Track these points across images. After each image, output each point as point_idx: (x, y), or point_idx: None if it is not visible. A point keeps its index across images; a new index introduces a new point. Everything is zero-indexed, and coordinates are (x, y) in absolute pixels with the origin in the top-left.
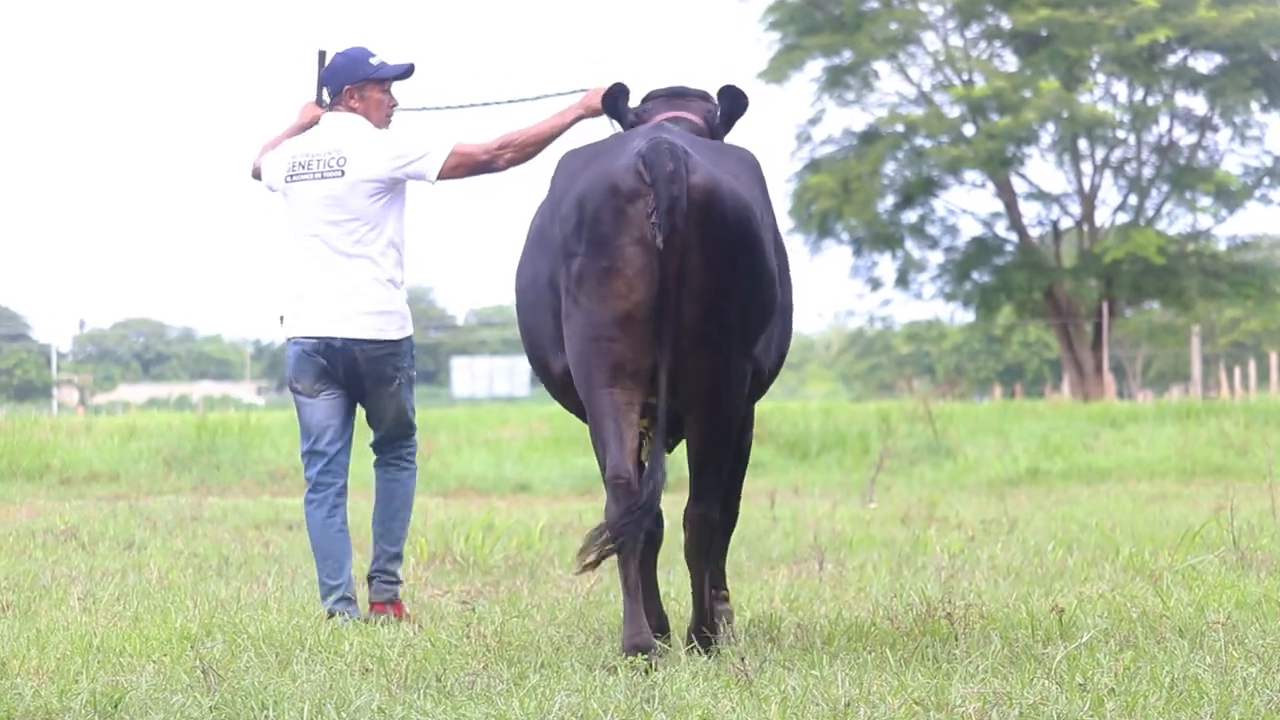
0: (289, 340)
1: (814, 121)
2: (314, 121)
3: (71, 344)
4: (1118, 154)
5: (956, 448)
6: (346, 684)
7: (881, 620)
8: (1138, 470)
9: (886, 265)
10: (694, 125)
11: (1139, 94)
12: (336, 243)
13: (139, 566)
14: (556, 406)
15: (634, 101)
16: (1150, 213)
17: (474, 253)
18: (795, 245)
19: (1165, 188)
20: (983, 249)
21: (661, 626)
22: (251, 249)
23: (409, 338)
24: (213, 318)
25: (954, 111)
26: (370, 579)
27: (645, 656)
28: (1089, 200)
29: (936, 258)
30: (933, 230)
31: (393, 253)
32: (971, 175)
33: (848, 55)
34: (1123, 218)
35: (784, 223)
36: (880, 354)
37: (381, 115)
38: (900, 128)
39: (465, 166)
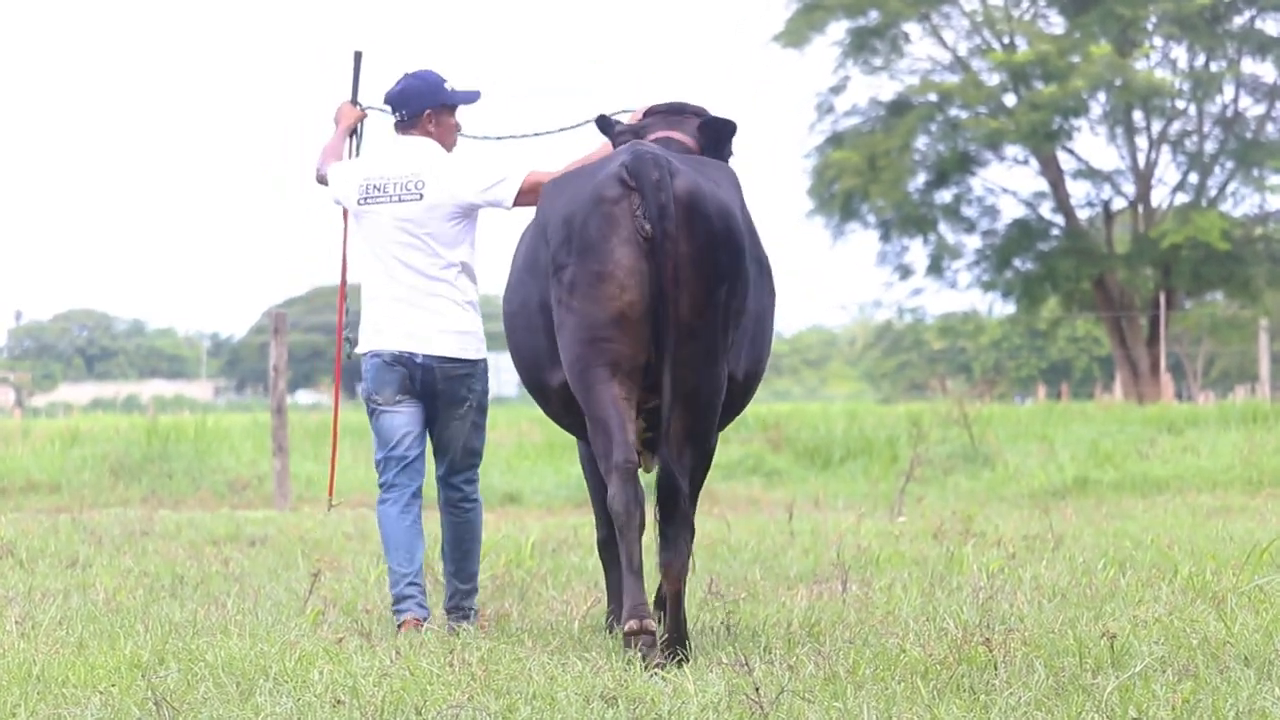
0: (366, 355)
1: (837, 90)
2: (356, 123)
3: (6, 338)
4: (1177, 126)
5: (995, 455)
6: (316, 717)
7: (912, 647)
8: (1198, 480)
9: (917, 251)
10: (683, 145)
11: (1200, 59)
12: (415, 264)
13: (83, 587)
14: (517, 409)
15: (635, 116)
16: (1213, 192)
17: None
18: (815, 229)
19: (1230, 164)
20: (1025, 233)
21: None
22: (210, 233)
23: (485, 360)
24: (165, 309)
25: (993, 79)
26: (448, 613)
27: (644, 633)
28: (1144, 178)
29: (973, 242)
30: (969, 212)
31: (467, 275)
32: (1013, 150)
33: (874, 16)
34: (1182, 198)
35: (804, 203)
36: (910, 350)
37: (451, 140)
38: (933, 97)
39: (537, 193)
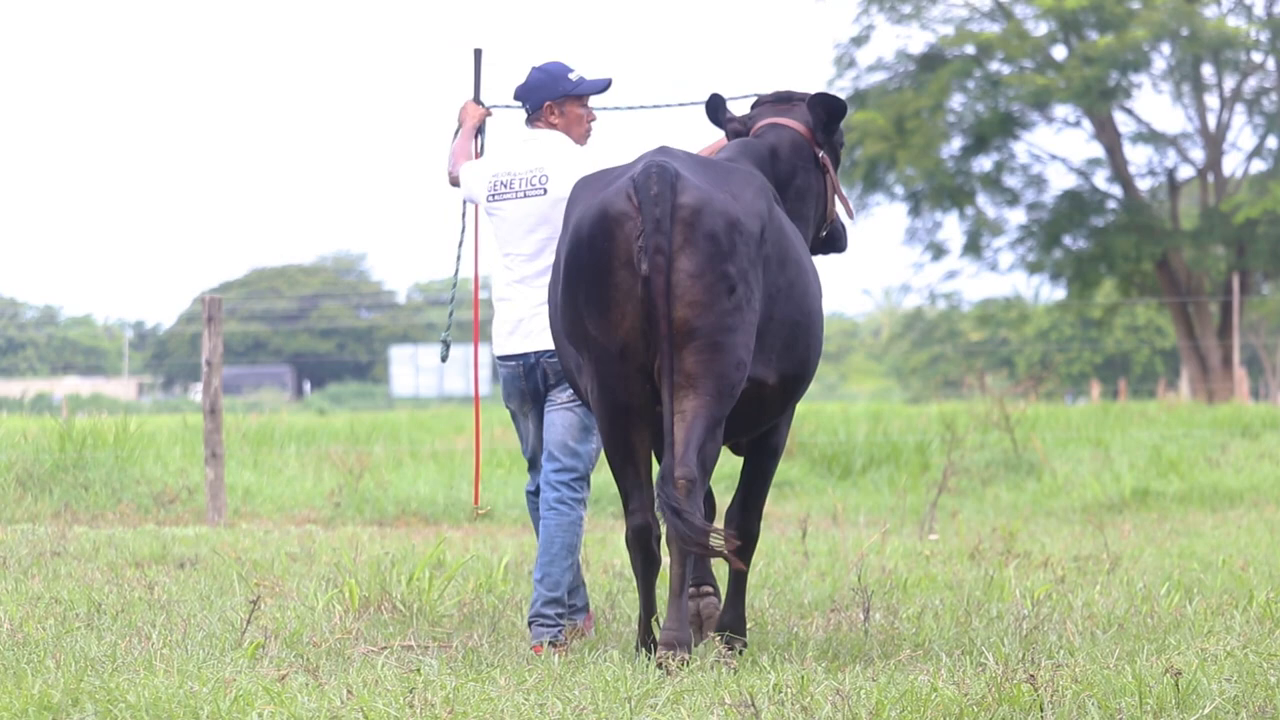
0: (498, 359)
1: (859, 41)
2: (480, 121)
3: None
4: (1252, 83)
5: (1042, 463)
6: None
7: (945, 685)
8: (1278, 492)
9: (952, 227)
10: (792, 130)
11: None
12: (540, 260)
13: None
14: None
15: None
16: None
17: (418, 213)
18: None
19: None
20: (1077, 206)
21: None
22: (133, 208)
23: None
24: (81, 295)
25: (1040, 28)
26: (530, 623)
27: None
28: (1215, 143)
29: (1017, 217)
30: (1012, 182)
31: None
32: (1063, 111)
33: None
34: (1259, 165)
35: None
36: (944, 342)
37: (581, 131)
38: (970, 49)
39: None
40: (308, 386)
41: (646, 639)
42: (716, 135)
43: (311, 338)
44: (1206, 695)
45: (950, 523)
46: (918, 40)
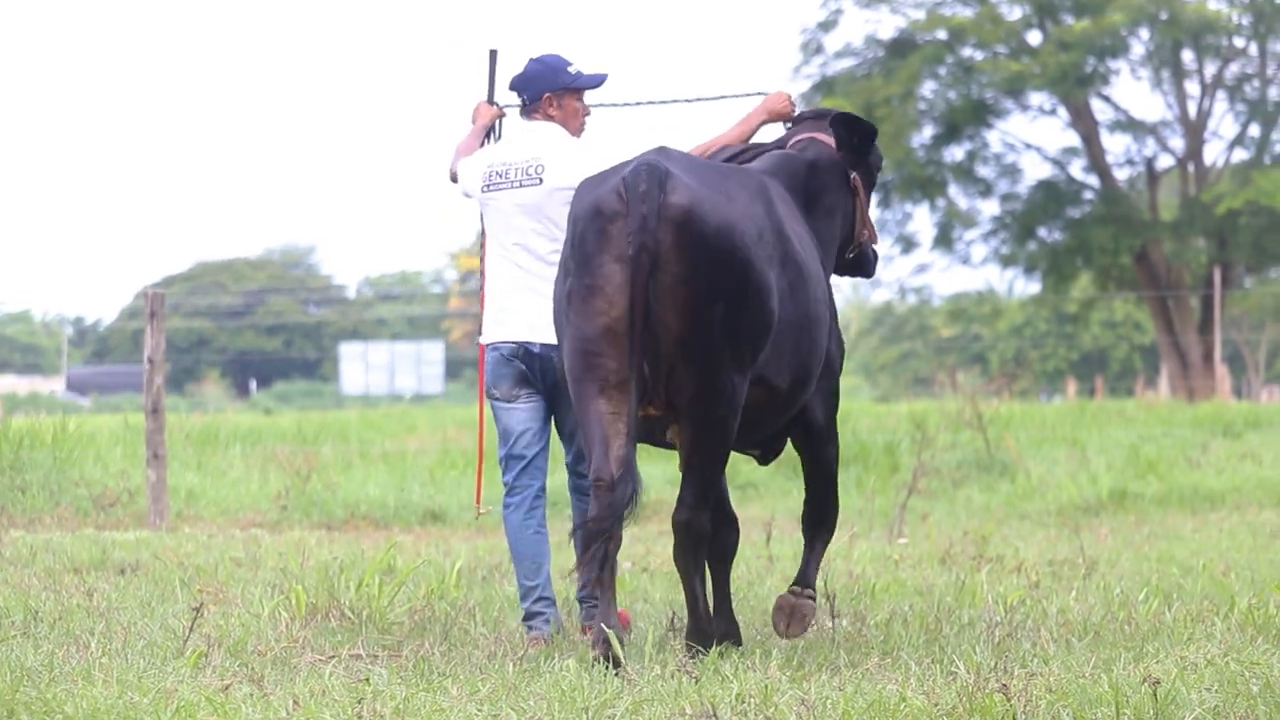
0: (486, 347)
1: (827, 26)
2: (492, 121)
3: None
4: (1235, 69)
5: (1016, 463)
6: None
7: (914, 695)
8: (1260, 494)
9: (923, 219)
10: (830, 149)
11: None
12: (536, 250)
13: None
14: (477, 410)
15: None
16: (1278, 148)
17: (370, 205)
18: None
19: None
20: (1053, 197)
21: (729, 634)
22: (72, 199)
23: None
24: (18, 290)
25: (1014, 13)
26: (580, 601)
27: (602, 655)
28: (1195, 131)
29: (990, 209)
30: (985, 172)
31: None
32: (1038, 98)
33: None
34: (1241, 154)
35: None
36: (914, 338)
37: (577, 124)
38: (942, 34)
39: None
40: (254, 385)
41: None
42: (709, 134)
43: (258, 334)
44: (1186, 705)
45: (920, 526)
46: (888, 25)
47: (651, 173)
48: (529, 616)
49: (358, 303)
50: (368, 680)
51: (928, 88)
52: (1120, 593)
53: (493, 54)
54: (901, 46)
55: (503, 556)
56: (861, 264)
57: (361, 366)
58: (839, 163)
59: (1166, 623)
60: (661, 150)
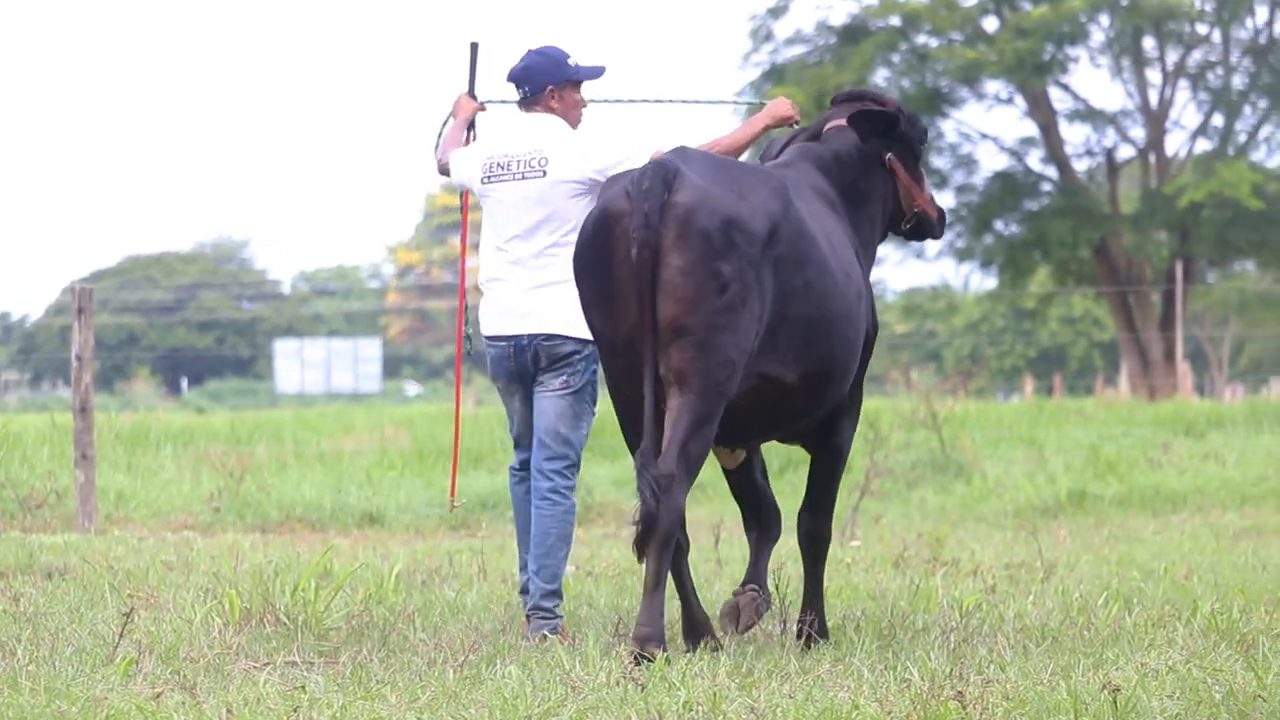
0: (486, 340)
1: (777, 13)
2: (473, 114)
3: None
4: (1197, 57)
5: (971, 464)
6: None
7: (867, 702)
8: (1223, 495)
9: None
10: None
11: None
12: (535, 242)
13: None
14: (417, 409)
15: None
16: (1242, 138)
17: (307, 198)
18: None
19: (1263, 104)
20: (1009, 189)
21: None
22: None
23: (594, 344)
24: None
25: None
26: (528, 616)
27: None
28: (1157, 121)
29: (945, 200)
30: (940, 163)
31: None
32: (994, 87)
33: None
34: (1204, 145)
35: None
36: None
37: (577, 116)
38: (896, 21)
39: None
40: (185, 383)
41: (690, 631)
42: (713, 132)
43: (189, 330)
44: (1146, 713)
45: (873, 528)
46: (839, 11)
47: (658, 172)
48: (524, 590)
49: (293, 298)
50: (303, 688)
51: (881, 76)
52: (1079, 597)
53: (474, 47)
54: (854, 33)
55: (443, 559)
56: (923, 229)
57: (297, 364)
58: (869, 148)
59: (1127, 628)
60: (680, 150)
